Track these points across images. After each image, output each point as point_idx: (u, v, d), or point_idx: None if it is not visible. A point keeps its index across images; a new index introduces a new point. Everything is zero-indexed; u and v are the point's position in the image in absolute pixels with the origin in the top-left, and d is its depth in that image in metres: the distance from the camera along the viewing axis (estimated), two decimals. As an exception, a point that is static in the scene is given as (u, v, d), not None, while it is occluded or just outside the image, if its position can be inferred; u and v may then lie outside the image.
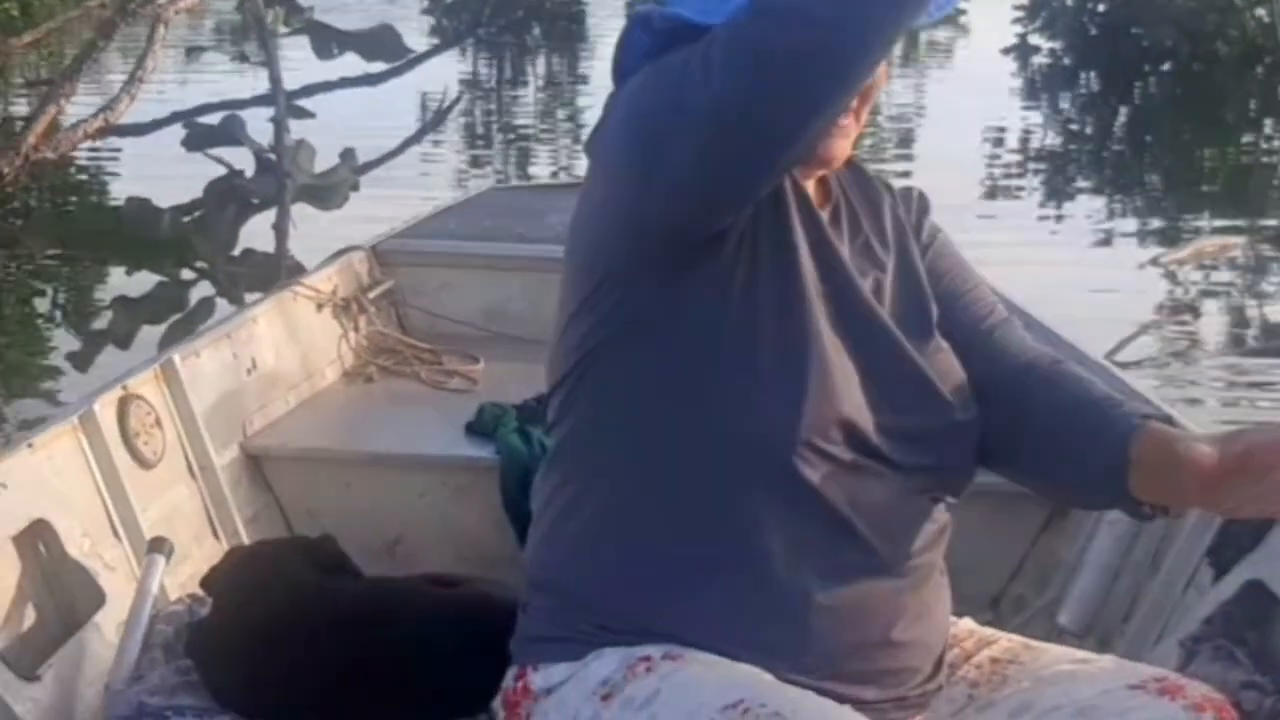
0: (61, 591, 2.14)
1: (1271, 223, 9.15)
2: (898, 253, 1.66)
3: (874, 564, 1.53)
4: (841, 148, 1.57)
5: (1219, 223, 9.10)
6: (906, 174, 10.29)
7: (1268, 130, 14.40)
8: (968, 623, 1.76)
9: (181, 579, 2.38)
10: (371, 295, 3.57)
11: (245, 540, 2.65)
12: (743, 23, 1.34)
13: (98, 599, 2.19)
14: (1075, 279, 7.00)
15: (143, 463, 2.51)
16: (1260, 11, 17.10)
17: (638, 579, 1.53)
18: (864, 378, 1.53)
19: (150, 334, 5.92)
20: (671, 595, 1.51)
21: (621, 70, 1.54)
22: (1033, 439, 1.65)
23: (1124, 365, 3.38)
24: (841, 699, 1.48)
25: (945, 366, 1.62)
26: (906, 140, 13.01)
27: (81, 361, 5.89)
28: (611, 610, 1.53)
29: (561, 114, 15.69)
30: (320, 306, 3.39)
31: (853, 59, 1.34)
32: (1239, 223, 8.84)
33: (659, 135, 1.40)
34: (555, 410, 1.61)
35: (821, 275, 1.54)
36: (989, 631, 1.74)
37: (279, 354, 3.15)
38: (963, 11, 23.19)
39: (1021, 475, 1.71)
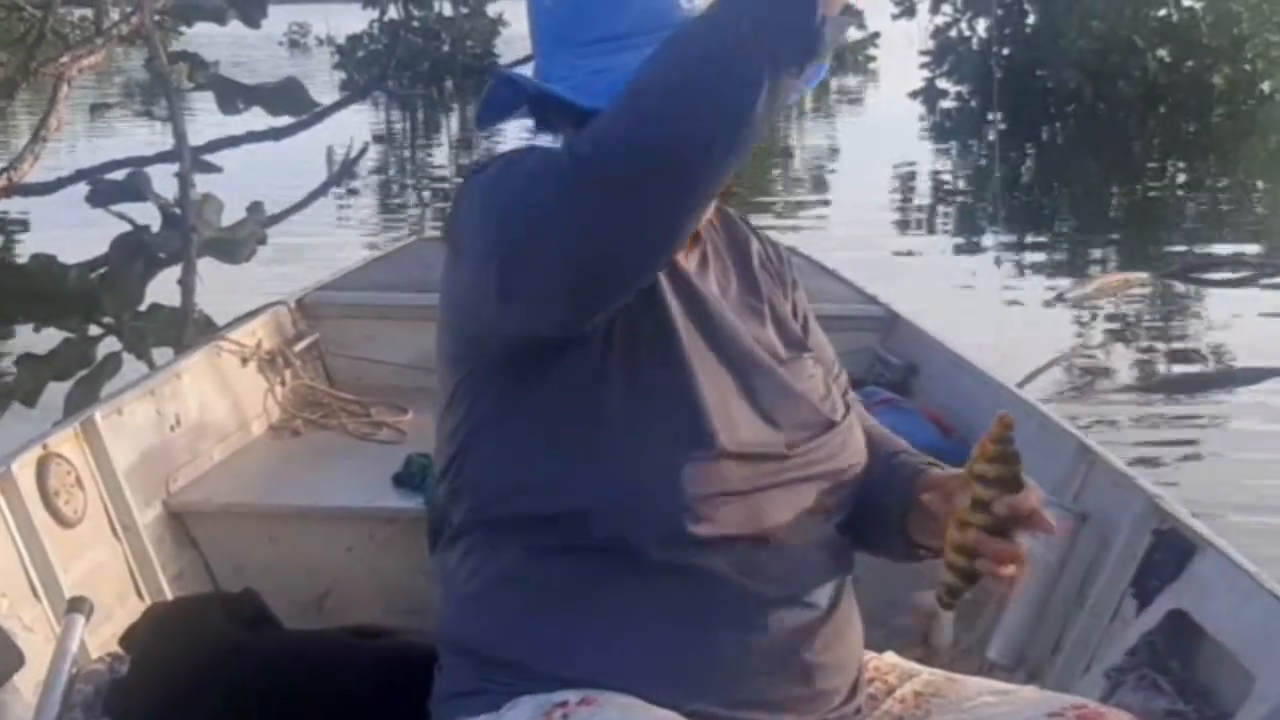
0: (-21, 654, 2.10)
1: (1177, 253, 9.36)
2: (766, 291, 1.69)
3: (782, 591, 1.53)
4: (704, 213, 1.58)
5: (1125, 257, 9.29)
6: (821, 216, 10.43)
7: (1170, 168, 14.73)
8: (891, 656, 1.77)
9: (103, 638, 2.34)
10: (297, 348, 3.55)
11: (170, 598, 2.61)
12: (590, 144, 1.33)
13: (16, 660, 2.15)
14: (984, 314, 7.11)
15: (63, 522, 2.47)
16: (1161, 52, 17.53)
17: (547, 631, 1.52)
18: (749, 406, 1.55)
19: (57, 390, 5.85)
20: (582, 644, 1.51)
21: (480, 122, 1.56)
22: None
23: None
24: None
25: (821, 383, 1.65)
26: (820, 183, 13.18)
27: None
28: (524, 662, 1.52)
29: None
30: (245, 360, 3.36)
31: (701, 181, 1.34)
32: (1144, 257, 9.03)
33: (517, 258, 1.38)
34: (449, 487, 1.61)
35: (695, 322, 1.56)
36: (912, 665, 1.75)
37: (203, 409, 3.11)
38: (872, 59, 23.60)
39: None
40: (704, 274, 1.63)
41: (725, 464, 1.49)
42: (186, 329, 6.44)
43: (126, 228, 7.68)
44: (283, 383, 3.45)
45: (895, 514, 1.63)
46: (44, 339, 6.80)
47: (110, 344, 6.69)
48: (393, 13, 25.91)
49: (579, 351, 1.49)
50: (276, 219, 8.28)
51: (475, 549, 1.58)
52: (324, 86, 16.50)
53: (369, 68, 23.88)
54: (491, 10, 26.94)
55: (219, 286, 7.08)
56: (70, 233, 8.47)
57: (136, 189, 7.69)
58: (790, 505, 1.54)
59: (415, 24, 25.88)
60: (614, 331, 1.50)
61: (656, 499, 1.47)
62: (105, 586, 2.51)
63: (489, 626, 1.56)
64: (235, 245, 7.66)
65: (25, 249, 9.17)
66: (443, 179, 14.68)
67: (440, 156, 17.03)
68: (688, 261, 1.61)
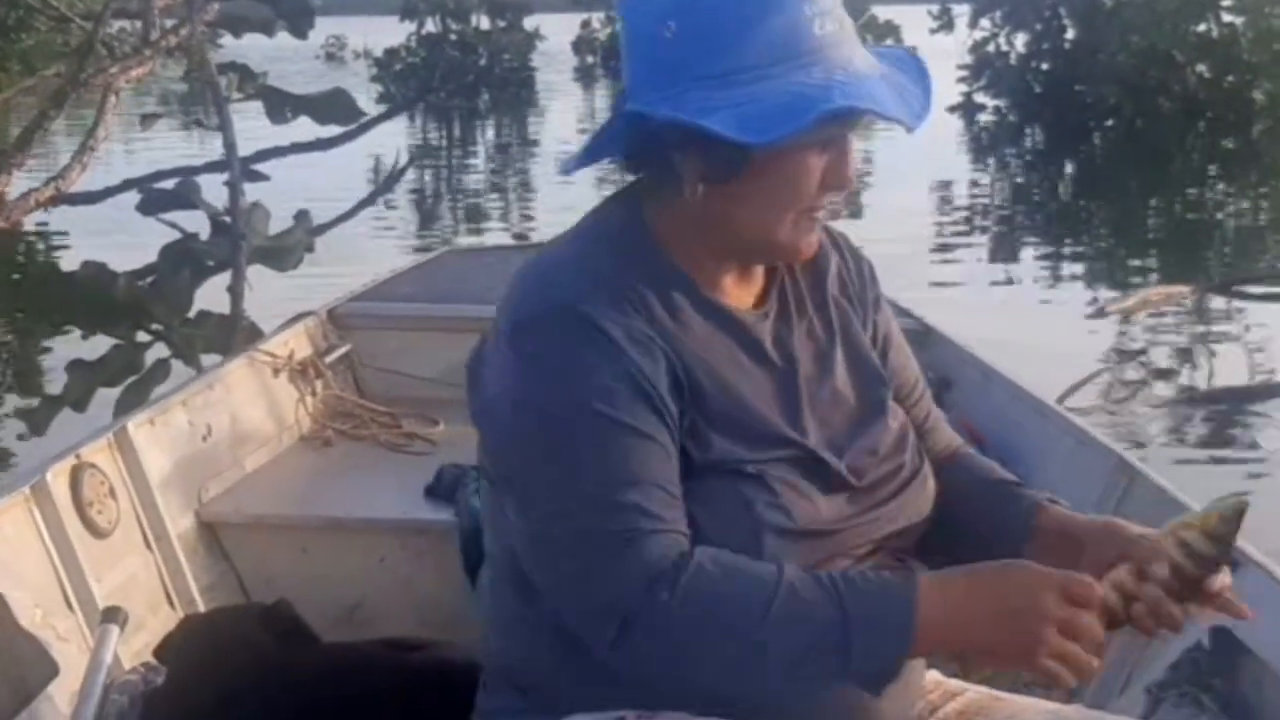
0: (13, 664, 2.10)
1: (1218, 267, 9.29)
2: (840, 323, 1.63)
3: None
4: (816, 240, 1.55)
5: (1165, 272, 9.23)
6: (857, 227, 10.40)
7: (1210, 183, 14.63)
8: (934, 674, 1.73)
9: (136, 649, 2.34)
10: (328, 359, 3.54)
11: (201, 609, 2.61)
12: (629, 659, 1.39)
13: (50, 671, 2.15)
14: (1025, 328, 7.07)
15: (96, 532, 2.48)
16: (1201, 67, 17.42)
17: (602, 666, 1.45)
18: (822, 490, 1.50)
19: (106, 396, 5.90)
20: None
21: (582, 161, 1.52)
22: (948, 523, 1.62)
23: (1073, 411, 3.40)
24: None
25: (895, 433, 1.60)
26: (855, 197, 13.11)
27: (37, 425, 5.86)
28: (578, 691, 1.48)
29: (512, 177, 15.79)
30: (276, 371, 3.35)
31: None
32: (1185, 272, 8.97)
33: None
34: (491, 523, 1.57)
35: (773, 391, 1.52)
36: (955, 683, 1.71)
37: (235, 420, 3.12)
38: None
39: (930, 556, 1.65)
40: (783, 320, 1.57)
41: (803, 543, 1.46)
42: (235, 335, 6.50)
43: (169, 239, 7.77)
44: (314, 394, 3.44)
45: (1003, 548, 1.52)
46: (93, 346, 6.87)
47: (159, 350, 6.76)
48: (430, 26, 26.11)
49: None
50: (324, 228, 8.38)
51: (524, 583, 1.51)
52: (361, 99, 16.56)
53: (406, 81, 24.02)
54: (528, 24, 27.07)
55: (263, 296, 7.13)
56: (120, 241, 8.56)
57: (186, 197, 7.81)
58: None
59: (453, 38, 26.04)
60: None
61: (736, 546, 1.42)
62: (137, 597, 2.52)
63: (540, 659, 1.52)
64: (283, 253, 7.77)
65: (75, 257, 9.24)
66: (479, 190, 14.75)
67: (476, 168, 17.09)
68: (760, 311, 1.56)
